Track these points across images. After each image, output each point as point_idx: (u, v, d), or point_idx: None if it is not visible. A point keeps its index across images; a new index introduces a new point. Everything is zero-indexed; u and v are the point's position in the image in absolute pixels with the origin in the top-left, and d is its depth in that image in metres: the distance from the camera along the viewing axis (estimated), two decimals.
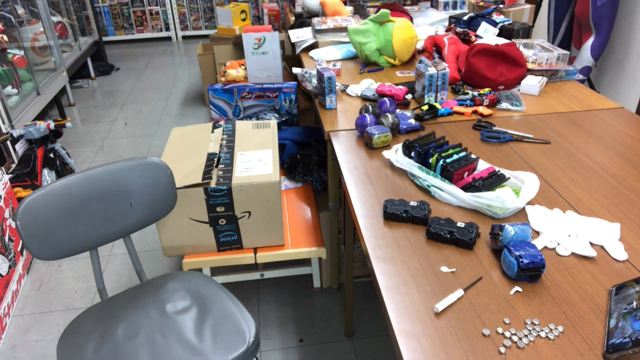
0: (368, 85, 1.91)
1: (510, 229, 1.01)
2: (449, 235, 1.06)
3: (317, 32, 2.47)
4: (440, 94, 1.75)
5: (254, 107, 2.41)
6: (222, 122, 2.03)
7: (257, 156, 1.77)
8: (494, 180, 1.21)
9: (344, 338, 1.95)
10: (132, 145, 3.57)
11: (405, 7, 2.86)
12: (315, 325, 2.01)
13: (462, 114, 1.69)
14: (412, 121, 1.59)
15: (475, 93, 1.73)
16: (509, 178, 1.24)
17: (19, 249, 2.31)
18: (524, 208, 1.17)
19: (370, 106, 1.61)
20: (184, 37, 6.35)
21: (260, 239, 1.78)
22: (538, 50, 2.05)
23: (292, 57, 3.39)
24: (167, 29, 6.26)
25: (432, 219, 1.11)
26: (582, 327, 0.86)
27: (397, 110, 1.68)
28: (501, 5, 2.80)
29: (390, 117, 1.52)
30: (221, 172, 1.69)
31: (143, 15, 6.15)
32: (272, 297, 2.16)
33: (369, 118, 1.51)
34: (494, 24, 2.30)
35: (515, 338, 0.84)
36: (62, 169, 2.89)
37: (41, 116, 4.04)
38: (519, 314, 0.89)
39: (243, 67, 2.53)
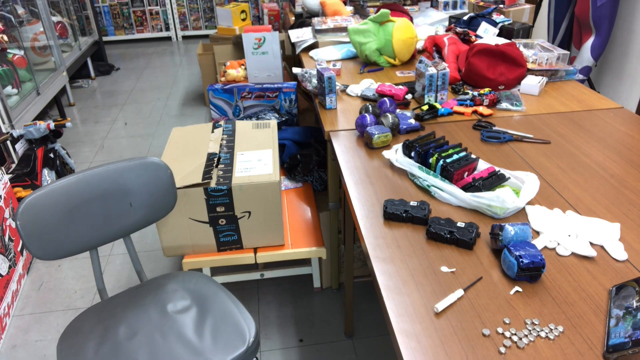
0: (368, 85, 1.91)
1: (510, 229, 1.01)
2: (449, 235, 1.06)
3: (317, 32, 2.47)
4: (440, 94, 1.75)
5: (254, 107, 2.41)
6: (222, 122, 2.03)
7: (257, 156, 1.77)
8: (494, 180, 1.21)
9: (344, 338, 1.95)
10: (132, 145, 3.57)
11: (405, 7, 2.86)
12: (315, 325, 2.01)
13: (462, 114, 1.69)
14: (412, 121, 1.59)
15: (475, 93, 1.73)
16: (509, 178, 1.24)
17: (19, 249, 2.31)
18: (524, 208, 1.17)
19: (370, 106, 1.61)
20: (184, 37, 6.35)
21: (260, 239, 1.78)
22: (538, 50, 2.05)
23: (292, 57, 3.39)
24: (167, 29, 6.26)
25: (432, 219, 1.11)
26: (582, 327, 0.86)
27: (397, 110, 1.68)
28: (501, 5, 2.80)
29: (390, 117, 1.52)
30: (221, 172, 1.70)
31: (143, 15, 6.15)
32: (272, 297, 2.16)
33: (369, 118, 1.51)
34: (494, 24, 2.30)
35: (515, 338, 0.84)
36: (62, 169, 2.89)
37: (41, 116, 4.04)
38: (519, 314, 0.89)
39: (243, 67, 2.53)
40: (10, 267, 2.18)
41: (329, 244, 2.06)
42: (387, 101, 1.63)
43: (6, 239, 2.18)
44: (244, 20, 4.12)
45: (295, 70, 2.00)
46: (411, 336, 0.86)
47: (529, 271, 0.94)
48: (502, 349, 0.83)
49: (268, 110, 2.40)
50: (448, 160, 1.24)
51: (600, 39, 2.52)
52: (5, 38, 3.23)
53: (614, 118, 1.62)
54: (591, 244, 1.06)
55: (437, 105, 1.68)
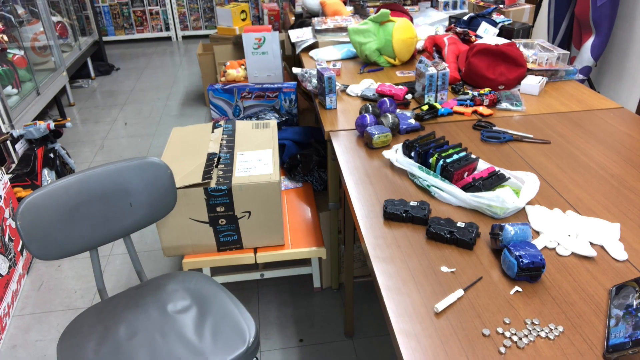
0: (368, 85, 1.91)
1: (510, 229, 1.01)
2: (449, 235, 1.06)
3: (317, 32, 2.47)
4: (440, 94, 1.75)
5: (254, 107, 2.41)
6: (222, 122, 2.03)
7: (257, 156, 1.77)
8: (494, 180, 1.21)
9: (344, 338, 1.95)
10: (132, 145, 3.57)
11: (405, 7, 2.86)
12: (315, 325, 2.01)
13: (462, 114, 1.69)
14: (412, 121, 1.59)
15: (475, 93, 1.73)
16: (509, 178, 1.24)
17: (19, 249, 2.31)
18: (524, 208, 1.17)
19: (370, 106, 1.61)
20: (184, 37, 6.35)
21: (260, 239, 1.78)
22: (538, 50, 2.05)
23: (292, 57, 3.39)
24: (167, 29, 6.26)
25: (432, 219, 1.11)
26: (582, 327, 0.86)
27: (397, 110, 1.68)
28: (501, 5, 2.80)
29: (390, 117, 1.52)
30: (221, 172, 1.70)
31: (143, 15, 6.15)
32: (272, 297, 2.16)
33: (369, 118, 1.51)
34: (494, 24, 2.30)
35: (515, 338, 0.84)
36: (62, 169, 2.89)
37: (41, 116, 4.04)
38: (519, 314, 0.89)
39: (243, 67, 2.53)
40: (10, 267, 2.18)
41: (329, 244, 2.06)
42: (387, 101, 1.63)
43: (6, 239, 2.18)
44: (244, 20, 4.12)
45: (295, 70, 2.00)
46: (411, 336, 0.86)
47: (529, 271, 0.94)
48: (502, 349, 0.83)
49: (268, 110, 2.40)
50: (448, 160, 1.24)
51: (600, 39, 2.52)
52: (5, 38, 3.23)
53: (614, 118, 1.62)
54: (591, 244, 1.06)
55: (437, 105, 1.68)
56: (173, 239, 1.75)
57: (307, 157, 2.10)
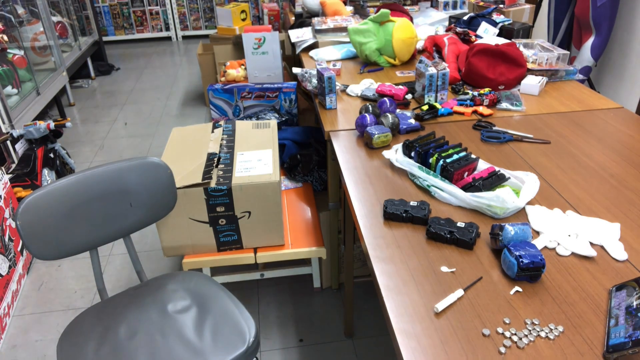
0: (368, 85, 1.91)
1: (510, 229, 1.01)
2: (449, 235, 1.06)
3: (317, 32, 2.47)
4: (440, 94, 1.75)
5: (254, 107, 2.41)
6: (222, 122, 2.03)
7: (257, 156, 1.77)
8: (494, 180, 1.21)
9: (344, 338, 1.95)
10: (132, 145, 3.57)
11: (405, 7, 2.86)
12: (315, 325, 2.01)
13: (462, 114, 1.69)
14: (412, 121, 1.59)
15: (475, 93, 1.73)
16: (509, 178, 1.24)
17: (19, 249, 2.31)
18: (524, 208, 1.17)
19: (370, 106, 1.61)
20: (184, 37, 6.35)
21: (260, 239, 1.78)
22: (538, 50, 2.05)
23: (292, 57, 3.39)
24: (167, 29, 6.26)
25: (432, 219, 1.11)
26: (582, 327, 0.86)
27: (397, 110, 1.68)
28: (501, 5, 2.80)
29: (390, 117, 1.52)
30: (221, 172, 1.70)
31: (143, 15, 6.15)
32: (272, 297, 2.16)
33: (369, 118, 1.51)
34: (494, 24, 2.30)
35: (515, 338, 0.84)
36: (62, 169, 2.89)
37: (41, 116, 4.04)
38: (519, 314, 0.89)
39: (243, 67, 2.53)
40: (10, 267, 2.18)
41: (329, 244, 2.06)
42: (387, 101, 1.63)
43: (6, 239, 2.18)
44: (244, 20, 4.12)
45: (295, 70, 2.00)
46: (411, 336, 0.86)
47: (529, 271, 0.94)
48: (502, 349, 0.83)
49: (268, 110, 2.40)
50: (448, 160, 1.24)
51: (600, 39, 2.52)
52: (5, 38, 3.23)
53: (614, 118, 1.62)
54: (591, 244, 1.06)
55: (437, 105, 1.68)
56: (173, 239, 1.75)
57: (307, 157, 2.10)
